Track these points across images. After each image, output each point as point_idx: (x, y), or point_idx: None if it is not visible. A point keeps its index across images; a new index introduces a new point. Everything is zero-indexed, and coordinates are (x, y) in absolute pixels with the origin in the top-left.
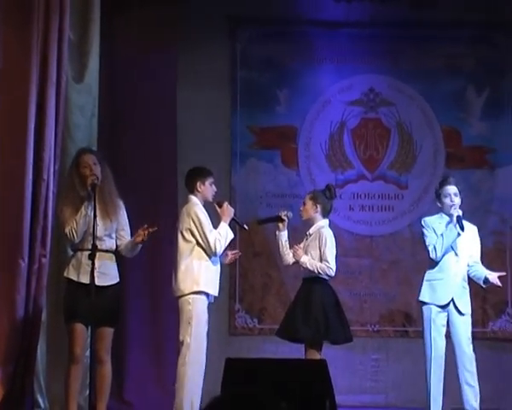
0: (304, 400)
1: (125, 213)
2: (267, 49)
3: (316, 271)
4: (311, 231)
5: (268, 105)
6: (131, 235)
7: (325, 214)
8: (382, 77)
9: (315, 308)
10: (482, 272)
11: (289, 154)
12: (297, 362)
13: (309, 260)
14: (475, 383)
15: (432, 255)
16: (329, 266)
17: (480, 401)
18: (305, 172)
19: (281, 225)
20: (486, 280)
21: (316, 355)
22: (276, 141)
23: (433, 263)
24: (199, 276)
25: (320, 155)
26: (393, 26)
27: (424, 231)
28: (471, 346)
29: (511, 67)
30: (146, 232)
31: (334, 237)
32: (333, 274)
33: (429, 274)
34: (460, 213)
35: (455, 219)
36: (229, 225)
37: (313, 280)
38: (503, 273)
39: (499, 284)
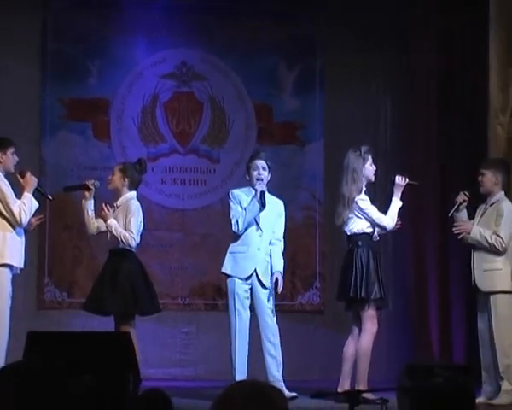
0: (107, 373)
1: None
2: (79, 19)
3: (119, 238)
4: (118, 202)
5: (79, 77)
6: None
7: (133, 187)
8: (195, 51)
9: (122, 280)
10: (274, 266)
11: (101, 126)
12: (100, 335)
13: (115, 225)
14: (278, 354)
15: (234, 228)
16: (132, 236)
17: (288, 373)
18: (117, 145)
19: (87, 193)
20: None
21: (128, 329)
22: (87, 113)
23: (237, 236)
24: (3, 248)
25: (132, 129)
26: (207, 0)
27: (230, 203)
28: (274, 318)
29: (322, 45)
30: None
31: (146, 210)
32: (134, 245)
33: (232, 247)
34: (264, 188)
35: (258, 194)
36: (33, 194)
37: (120, 252)
38: (280, 287)
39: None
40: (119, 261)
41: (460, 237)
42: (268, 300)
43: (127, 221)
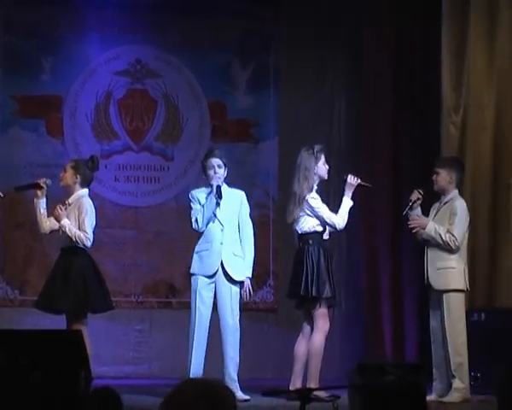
0: (58, 371)
1: None
2: (32, 15)
3: (74, 238)
4: (70, 200)
5: (32, 73)
6: None
7: (85, 185)
8: (149, 48)
9: (74, 278)
10: (244, 268)
11: (54, 123)
12: (51, 333)
13: (69, 226)
14: (236, 355)
15: (194, 226)
16: (87, 236)
17: (241, 371)
18: (70, 142)
19: (39, 192)
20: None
21: (80, 327)
22: (40, 110)
23: (200, 235)
24: None
25: (86, 125)
26: None
27: (191, 204)
28: (237, 317)
29: (276, 43)
30: None
31: (99, 208)
32: (89, 245)
33: (197, 246)
34: (220, 183)
35: (214, 188)
36: None
37: (72, 250)
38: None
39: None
40: (70, 259)
41: (414, 231)
42: (232, 298)
43: (81, 221)
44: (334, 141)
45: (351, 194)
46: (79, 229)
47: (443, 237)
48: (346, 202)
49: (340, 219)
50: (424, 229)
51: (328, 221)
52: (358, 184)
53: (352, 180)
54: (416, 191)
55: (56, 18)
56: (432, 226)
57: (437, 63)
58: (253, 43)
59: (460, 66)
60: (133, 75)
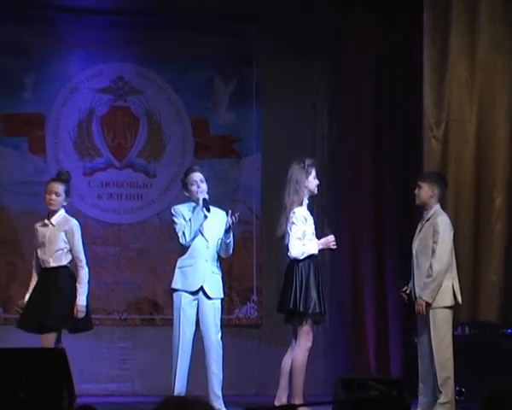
0: (41, 390)
1: None
2: (13, 32)
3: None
4: (53, 220)
5: (14, 91)
6: None
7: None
8: (132, 65)
9: (53, 297)
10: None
11: (37, 141)
12: (34, 352)
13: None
14: (219, 371)
15: (182, 241)
16: (84, 270)
17: (225, 387)
18: (52, 159)
19: None
20: (227, 225)
21: (50, 342)
22: (22, 128)
23: (184, 250)
24: None
25: (68, 143)
26: (143, 15)
27: (174, 218)
28: (219, 334)
29: (257, 59)
30: None
31: (82, 225)
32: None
33: (180, 261)
34: (206, 196)
35: (201, 202)
36: None
37: (54, 269)
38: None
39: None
40: (52, 279)
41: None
42: (215, 314)
43: (71, 243)
44: (317, 155)
45: (321, 247)
46: (72, 250)
47: (435, 277)
48: (313, 248)
49: (296, 252)
50: (429, 302)
51: (289, 243)
52: (330, 249)
53: (331, 242)
54: (402, 294)
55: (37, 35)
56: (428, 291)
57: (419, 77)
58: (236, 58)
59: (441, 80)
60: (115, 92)
